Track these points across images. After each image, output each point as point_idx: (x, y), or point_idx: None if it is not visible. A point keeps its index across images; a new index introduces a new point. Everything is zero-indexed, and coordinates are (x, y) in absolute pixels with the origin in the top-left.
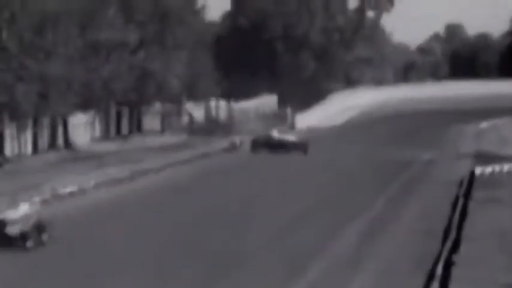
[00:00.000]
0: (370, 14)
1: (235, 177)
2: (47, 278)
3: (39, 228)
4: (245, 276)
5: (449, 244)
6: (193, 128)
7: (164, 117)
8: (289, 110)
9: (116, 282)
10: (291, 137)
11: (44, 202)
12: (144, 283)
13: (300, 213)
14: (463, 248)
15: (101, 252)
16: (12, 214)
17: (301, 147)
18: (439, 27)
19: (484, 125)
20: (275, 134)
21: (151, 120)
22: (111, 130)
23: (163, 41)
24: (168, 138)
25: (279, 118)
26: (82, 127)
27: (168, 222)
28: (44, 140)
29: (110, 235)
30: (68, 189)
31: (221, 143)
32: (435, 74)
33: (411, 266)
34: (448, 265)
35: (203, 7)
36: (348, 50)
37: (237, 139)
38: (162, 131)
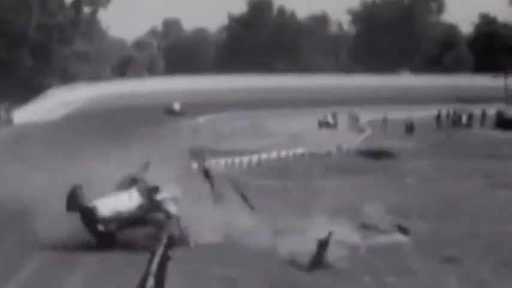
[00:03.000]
0: (87, 9)
1: None
2: None
3: None
4: None
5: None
6: None
7: None
8: (4, 106)
9: None
10: None
11: None
12: None
13: None
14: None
15: None
16: None
17: None
18: (156, 22)
19: (201, 120)
20: None
21: None
22: None
23: None
24: None
25: None
26: None
27: None
28: None
29: None
30: None
31: None
32: (151, 69)
33: None
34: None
35: None
36: (66, 46)
37: None
38: None
